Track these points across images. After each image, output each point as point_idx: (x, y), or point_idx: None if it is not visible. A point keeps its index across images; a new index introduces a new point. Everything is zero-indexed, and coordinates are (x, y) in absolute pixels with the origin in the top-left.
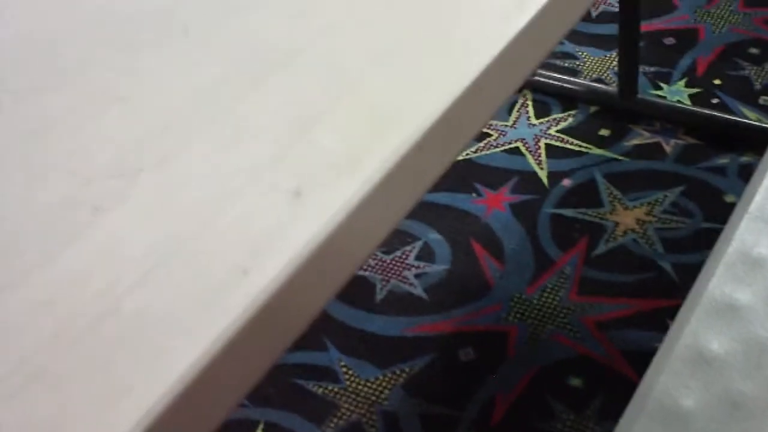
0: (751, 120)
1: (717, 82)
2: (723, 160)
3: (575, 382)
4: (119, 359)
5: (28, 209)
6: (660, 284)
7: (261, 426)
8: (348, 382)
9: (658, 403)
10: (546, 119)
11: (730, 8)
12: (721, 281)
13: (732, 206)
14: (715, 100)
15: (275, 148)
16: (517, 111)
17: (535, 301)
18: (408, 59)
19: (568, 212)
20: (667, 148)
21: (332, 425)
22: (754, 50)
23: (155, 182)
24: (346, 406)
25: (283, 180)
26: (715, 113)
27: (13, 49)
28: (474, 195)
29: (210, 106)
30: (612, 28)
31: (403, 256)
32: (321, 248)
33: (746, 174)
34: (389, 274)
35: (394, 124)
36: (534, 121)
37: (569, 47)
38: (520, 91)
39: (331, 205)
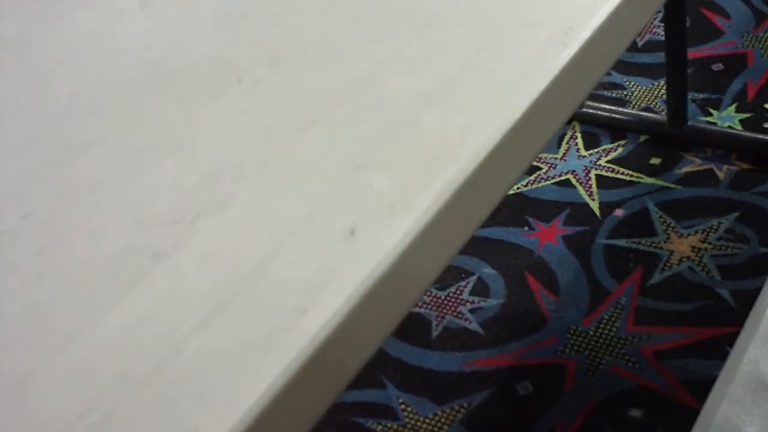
0: None
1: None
2: None
3: (636, 413)
4: (183, 400)
5: (91, 258)
6: (718, 312)
7: None
8: (407, 419)
9: None
10: (596, 150)
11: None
12: None
13: None
14: (766, 124)
15: (328, 190)
16: (567, 143)
17: (591, 333)
18: (456, 97)
19: (621, 242)
20: (720, 175)
21: None
22: None
23: (212, 227)
24: None
25: (338, 220)
26: None
27: (72, 105)
28: (526, 229)
29: (263, 151)
30: (659, 57)
31: (458, 292)
32: (376, 287)
33: None
34: (444, 310)
35: (445, 162)
36: (584, 152)
37: (617, 77)
38: (568, 123)
39: (386, 244)
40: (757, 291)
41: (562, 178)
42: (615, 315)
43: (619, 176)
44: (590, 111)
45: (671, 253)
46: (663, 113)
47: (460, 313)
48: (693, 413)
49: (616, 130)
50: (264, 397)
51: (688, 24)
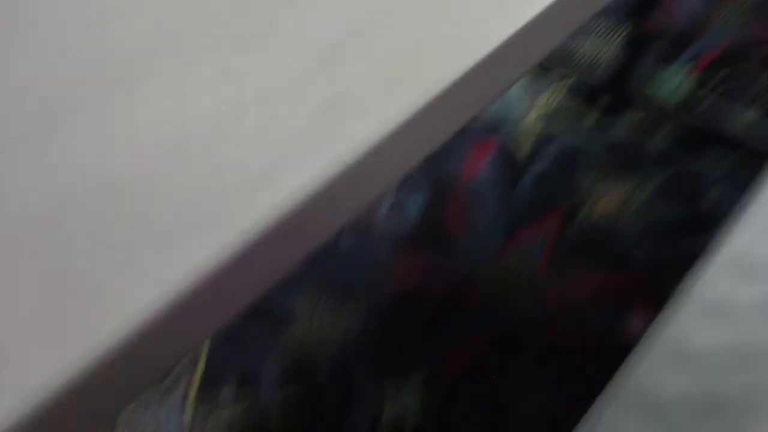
0: (745, 119)
1: (715, 77)
2: (711, 153)
3: (534, 350)
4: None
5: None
6: (630, 269)
7: None
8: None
9: (634, 393)
10: (535, 95)
11: (734, 9)
12: (712, 279)
13: (717, 203)
14: (710, 96)
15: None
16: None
17: (503, 267)
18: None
19: (546, 187)
20: (655, 138)
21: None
22: (754, 50)
23: None
24: None
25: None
26: (709, 109)
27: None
28: (454, 159)
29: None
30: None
31: (375, 209)
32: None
33: (737, 169)
34: (360, 224)
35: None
36: (522, 95)
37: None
38: None
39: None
40: (676, 255)
41: (497, 117)
42: (529, 255)
43: (554, 124)
44: None
45: (594, 206)
46: (608, 70)
47: (374, 227)
48: (595, 364)
49: (559, 78)
50: (223, 258)
51: None
